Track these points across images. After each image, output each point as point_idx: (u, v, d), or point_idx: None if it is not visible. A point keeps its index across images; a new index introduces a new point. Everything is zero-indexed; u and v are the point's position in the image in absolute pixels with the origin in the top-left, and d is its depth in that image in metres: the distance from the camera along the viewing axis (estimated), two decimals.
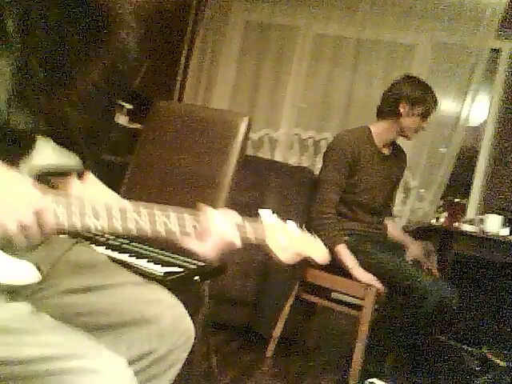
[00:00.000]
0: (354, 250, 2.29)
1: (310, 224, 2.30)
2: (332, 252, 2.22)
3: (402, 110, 2.36)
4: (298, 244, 0.97)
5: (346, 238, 2.33)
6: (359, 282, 2.25)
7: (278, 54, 3.80)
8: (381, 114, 2.44)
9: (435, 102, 2.39)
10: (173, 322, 0.90)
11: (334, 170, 2.35)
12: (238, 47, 3.93)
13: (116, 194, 1.04)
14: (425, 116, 2.37)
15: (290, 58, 3.78)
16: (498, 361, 1.83)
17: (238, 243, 0.90)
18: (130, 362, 0.77)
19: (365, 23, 3.54)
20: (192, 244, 0.87)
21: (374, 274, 2.25)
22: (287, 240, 0.96)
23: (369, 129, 2.44)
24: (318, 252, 1.00)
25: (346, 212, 2.41)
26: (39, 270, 0.76)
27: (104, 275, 0.93)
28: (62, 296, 0.87)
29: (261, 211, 0.97)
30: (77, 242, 0.97)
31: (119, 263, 1.01)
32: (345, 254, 2.28)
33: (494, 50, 3.41)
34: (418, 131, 2.42)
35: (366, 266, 2.27)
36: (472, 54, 3.31)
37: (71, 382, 0.68)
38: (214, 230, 0.87)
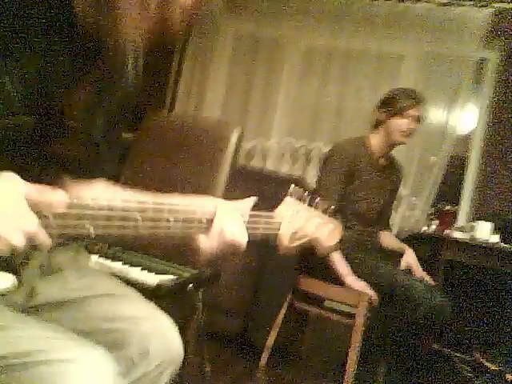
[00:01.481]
0: (347, 258, 2.30)
1: None
2: (326, 259, 2.24)
3: (380, 118, 2.41)
4: (310, 229, 0.96)
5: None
6: (352, 289, 2.26)
7: (269, 65, 3.84)
8: (371, 126, 2.49)
9: (410, 96, 2.37)
10: (157, 339, 0.87)
11: (332, 179, 2.36)
12: (229, 58, 3.96)
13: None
14: (404, 114, 2.35)
15: (280, 69, 3.81)
16: (490, 365, 1.85)
17: (244, 246, 0.87)
18: None
19: (353, 35, 3.59)
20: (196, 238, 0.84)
21: (367, 282, 2.26)
22: (301, 226, 0.95)
23: (365, 139, 2.47)
24: (329, 238, 1.00)
25: (340, 220, 2.41)
26: (19, 276, 0.74)
27: (85, 284, 0.91)
28: (42, 312, 0.84)
29: (285, 199, 0.95)
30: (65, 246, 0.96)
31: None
32: (338, 261, 2.29)
33: (481, 59, 3.47)
34: (408, 133, 2.38)
35: (359, 275, 2.28)
36: (459, 64, 3.36)
37: (49, 373, 0.66)
38: (221, 228, 0.84)
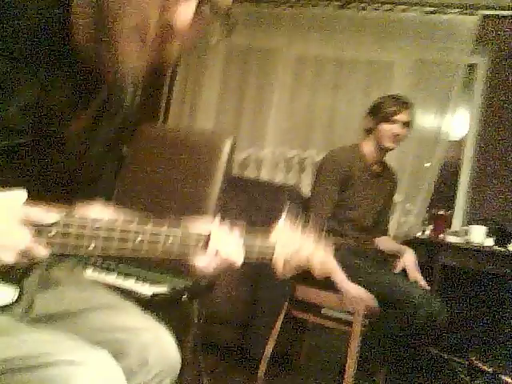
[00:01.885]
0: (342, 265, 2.30)
1: None
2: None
3: (368, 125, 2.45)
4: (304, 254, 0.95)
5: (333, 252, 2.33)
6: (348, 295, 2.26)
7: (261, 76, 3.86)
8: (362, 134, 2.52)
9: (397, 101, 2.40)
10: (156, 349, 0.88)
11: (327, 186, 2.37)
12: (221, 69, 3.99)
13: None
14: (391, 119, 2.37)
15: (272, 79, 3.84)
16: (485, 367, 1.85)
17: (239, 264, 0.89)
18: None
19: (343, 43, 3.63)
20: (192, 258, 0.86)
21: (364, 289, 2.26)
22: (295, 251, 0.94)
23: (359, 146, 2.49)
24: (323, 262, 0.99)
25: (334, 226, 2.43)
26: (21, 290, 0.76)
27: (83, 297, 0.92)
28: (40, 324, 0.85)
29: (279, 221, 0.95)
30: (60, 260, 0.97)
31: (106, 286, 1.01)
32: (334, 267, 2.29)
33: (470, 65, 3.51)
34: (398, 138, 2.40)
35: (356, 281, 2.28)
36: (449, 70, 3.40)
37: (56, 375, 0.67)
38: (216, 249, 0.86)
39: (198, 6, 0.71)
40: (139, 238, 0.78)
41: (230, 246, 0.88)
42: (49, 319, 0.88)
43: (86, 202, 0.90)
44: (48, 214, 0.69)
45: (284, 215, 0.96)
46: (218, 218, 0.90)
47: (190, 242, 0.84)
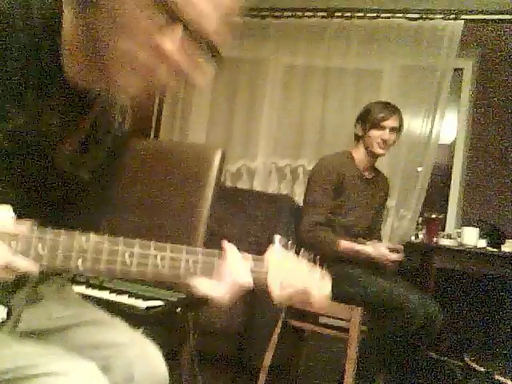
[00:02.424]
0: (336, 272, 2.30)
1: (301, 244, 2.32)
2: (337, 251, 2.29)
3: (358, 133, 2.48)
4: (298, 279, 0.92)
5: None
6: (373, 258, 2.31)
7: (250, 87, 3.89)
8: (353, 141, 2.55)
9: (384, 108, 2.44)
10: (141, 364, 0.89)
11: (320, 193, 2.38)
12: (211, 81, 4.01)
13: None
14: (379, 125, 2.40)
15: (261, 90, 3.86)
16: (479, 367, 1.86)
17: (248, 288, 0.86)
18: None
19: (331, 52, 3.66)
20: (204, 286, 0.83)
21: (359, 295, 2.27)
22: (289, 276, 0.91)
23: (350, 153, 2.51)
24: (320, 288, 0.95)
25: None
26: (9, 308, 0.76)
27: (70, 313, 0.93)
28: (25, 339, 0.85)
29: (271, 248, 0.92)
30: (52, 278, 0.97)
31: (99, 301, 1.02)
32: (348, 244, 2.33)
33: (457, 69, 3.55)
34: (387, 144, 2.43)
35: (349, 289, 2.28)
36: (436, 75, 3.43)
37: None
38: (233, 274, 0.83)
39: (185, 36, 0.73)
40: (128, 254, 0.76)
41: (244, 273, 0.85)
42: (35, 335, 0.88)
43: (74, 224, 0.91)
44: (16, 226, 0.68)
45: (278, 240, 0.95)
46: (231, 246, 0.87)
47: (181, 262, 0.81)
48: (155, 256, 0.77)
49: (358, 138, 2.50)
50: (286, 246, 0.95)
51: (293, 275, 0.91)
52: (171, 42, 0.71)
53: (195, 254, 0.81)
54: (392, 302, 2.18)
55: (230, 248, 0.85)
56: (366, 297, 2.25)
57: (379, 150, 2.44)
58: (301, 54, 3.74)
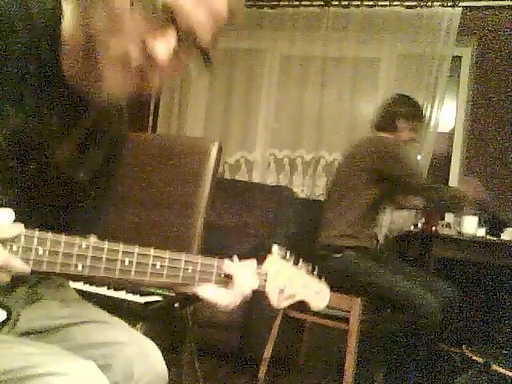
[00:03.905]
0: (355, 268, 2.30)
1: (427, 202, 2.56)
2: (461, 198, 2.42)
3: (399, 126, 2.53)
4: (297, 287, 0.94)
5: (353, 253, 2.34)
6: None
7: (247, 78, 3.86)
8: (379, 127, 2.58)
9: (413, 117, 2.57)
10: (141, 361, 0.89)
11: (410, 161, 2.45)
12: (207, 73, 3.98)
13: None
14: (417, 129, 2.58)
15: (259, 81, 3.84)
16: (477, 358, 1.87)
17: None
18: None
19: (328, 41, 3.63)
20: (212, 293, 0.88)
21: (365, 289, 2.27)
22: (288, 283, 0.93)
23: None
24: (318, 299, 0.97)
25: (374, 215, 2.48)
26: (8, 310, 0.76)
27: (69, 313, 0.93)
28: (24, 338, 0.86)
29: (269, 258, 0.94)
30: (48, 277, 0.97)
31: (97, 297, 1.02)
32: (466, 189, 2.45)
33: (456, 57, 3.52)
34: (411, 142, 2.60)
35: (354, 282, 2.28)
36: (435, 63, 3.41)
37: None
38: (241, 281, 0.88)
39: (178, 41, 0.74)
40: (126, 259, 0.78)
41: (252, 280, 0.89)
42: (34, 334, 0.88)
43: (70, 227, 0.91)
44: (10, 227, 0.69)
45: (276, 250, 0.95)
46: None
47: (179, 268, 0.84)
48: (154, 265, 0.80)
49: (392, 129, 2.53)
50: (284, 256, 0.95)
51: (291, 286, 0.93)
52: (162, 50, 0.72)
53: (194, 263, 0.84)
54: (394, 296, 2.20)
55: (238, 265, 0.89)
56: (368, 289, 2.26)
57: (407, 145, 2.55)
58: (298, 43, 3.71)
